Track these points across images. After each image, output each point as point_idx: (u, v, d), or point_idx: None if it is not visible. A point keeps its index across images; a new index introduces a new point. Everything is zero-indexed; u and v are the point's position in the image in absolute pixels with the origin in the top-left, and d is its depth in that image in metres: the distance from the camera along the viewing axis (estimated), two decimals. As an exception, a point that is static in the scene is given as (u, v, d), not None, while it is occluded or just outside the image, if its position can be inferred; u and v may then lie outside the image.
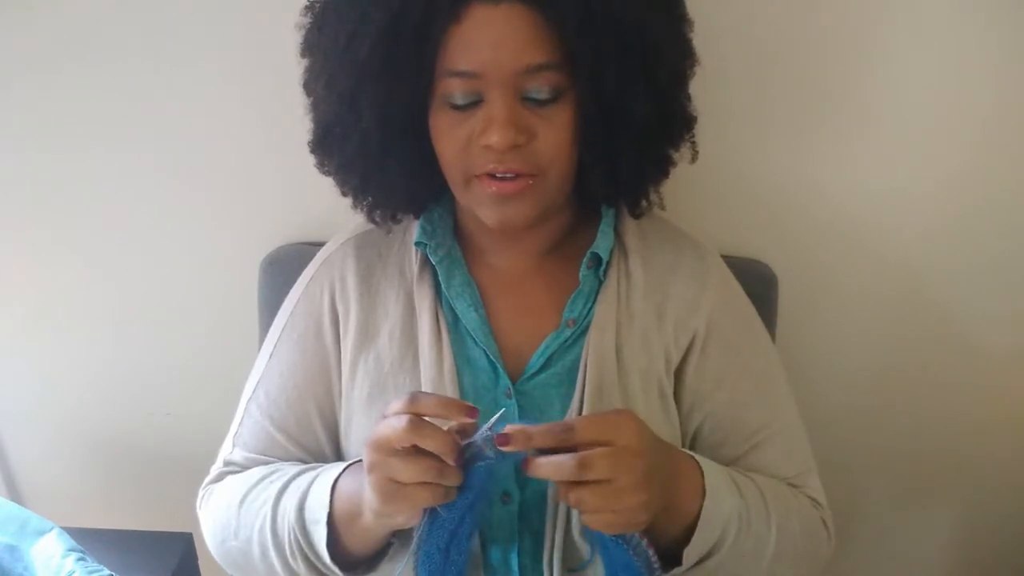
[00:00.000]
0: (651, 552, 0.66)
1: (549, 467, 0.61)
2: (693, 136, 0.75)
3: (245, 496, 0.76)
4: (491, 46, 0.64)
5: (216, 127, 1.01)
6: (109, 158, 1.03)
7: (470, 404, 0.63)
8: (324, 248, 0.86)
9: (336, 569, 0.70)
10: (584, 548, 0.72)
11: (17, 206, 1.07)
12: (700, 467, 0.70)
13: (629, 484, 0.60)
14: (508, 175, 0.68)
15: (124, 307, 1.12)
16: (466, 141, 0.68)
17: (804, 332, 1.08)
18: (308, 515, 0.71)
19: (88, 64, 0.98)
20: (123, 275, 1.10)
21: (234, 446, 0.82)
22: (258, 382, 0.82)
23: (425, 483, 0.61)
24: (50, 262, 1.10)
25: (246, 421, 0.82)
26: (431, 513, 0.65)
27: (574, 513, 0.72)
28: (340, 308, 0.80)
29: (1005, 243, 1.03)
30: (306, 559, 0.71)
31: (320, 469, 0.74)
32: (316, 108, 0.74)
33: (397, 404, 0.63)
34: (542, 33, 0.64)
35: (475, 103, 0.67)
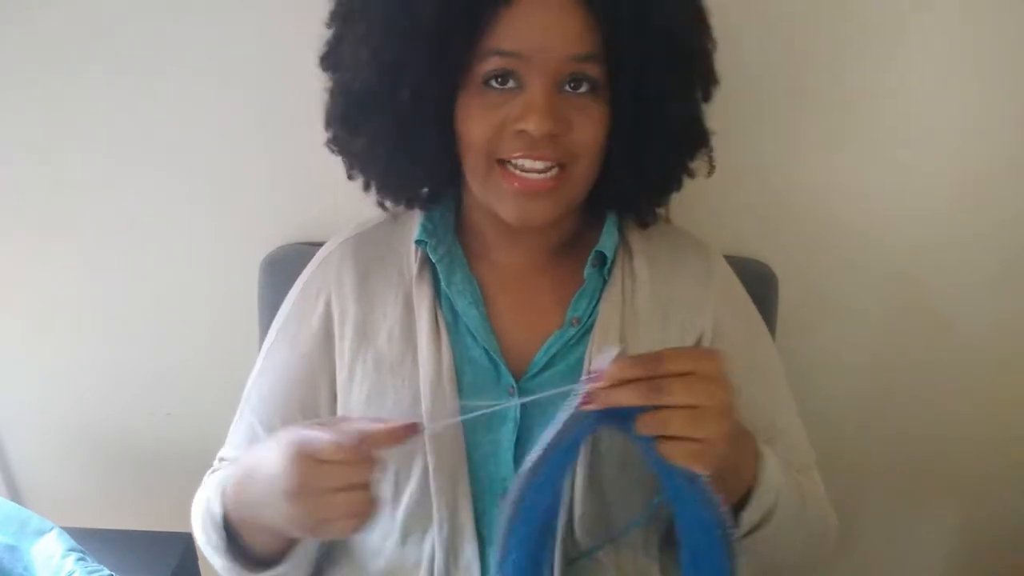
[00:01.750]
0: (723, 505, 0.62)
1: (626, 393, 0.57)
2: (712, 150, 0.76)
3: (201, 495, 0.77)
4: (542, 30, 0.64)
5: (216, 127, 1.01)
6: (109, 158, 1.03)
7: (408, 422, 0.62)
8: (322, 249, 0.85)
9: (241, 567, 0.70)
10: (585, 541, 0.72)
11: (17, 206, 1.07)
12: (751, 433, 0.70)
13: (712, 411, 0.57)
14: (536, 166, 0.68)
15: (124, 307, 1.12)
16: (499, 125, 0.68)
17: (804, 332, 1.08)
18: (213, 516, 0.70)
19: (88, 64, 0.98)
20: (123, 275, 1.10)
21: (228, 443, 0.83)
22: (252, 382, 0.83)
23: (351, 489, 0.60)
24: (50, 263, 1.10)
25: (239, 421, 0.83)
26: (517, 505, 0.63)
27: (576, 505, 0.72)
28: (336, 309, 0.80)
29: (1005, 243, 1.03)
30: (224, 555, 0.71)
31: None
32: (347, 79, 0.72)
33: (336, 445, 0.60)
34: (590, 24, 0.65)
35: (512, 87, 0.67)
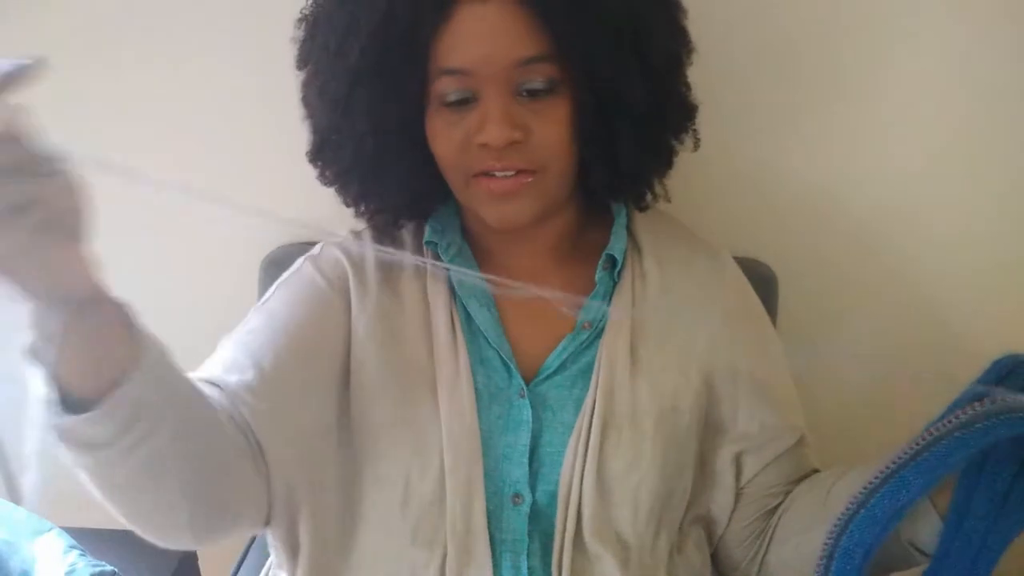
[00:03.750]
0: None
1: None
2: (695, 125, 0.75)
3: None
4: (482, 42, 0.64)
5: (216, 127, 1.01)
6: (109, 158, 1.03)
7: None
8: (333, 239, 0.83)
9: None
10: (592, 542, 0.71)
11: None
12: None
13: None
14: (508, 172, 0.68)
15: (124, 307, 1.12)
16: (463, 141, 0.68)
17: (804, 332, 1.08)
18: None
19: (88, 64, 0.98)
20: (123, 275, 1.09)
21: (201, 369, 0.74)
22: (246, 321, 0.77)
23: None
24: (50, 262, 1.10)
25: (218, 352, 0.75)
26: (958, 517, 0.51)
27: (585, 514, 0.72)
28: (356, 282, 0.76)
29: (1005, 243, 1.03)
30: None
31: None
32: (312, 118, 0.74)
33: None
34: (532, 25, 0.64)
35: (469, 101, 0.67)
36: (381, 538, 0.75)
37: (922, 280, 1.07)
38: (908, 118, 0.98)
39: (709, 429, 0.78)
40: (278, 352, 0.71)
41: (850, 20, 0.94)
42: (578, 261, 0.80)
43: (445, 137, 0.69)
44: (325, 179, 0.77)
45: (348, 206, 0.78)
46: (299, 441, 0.72)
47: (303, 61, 0.73)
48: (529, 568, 0.73)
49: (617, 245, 0.78)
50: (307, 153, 0.76)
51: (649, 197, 0.78)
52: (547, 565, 0.72)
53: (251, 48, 0.97)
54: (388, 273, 0.79)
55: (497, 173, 0.68)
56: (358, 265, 0.79)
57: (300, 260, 0.81)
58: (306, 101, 0.74)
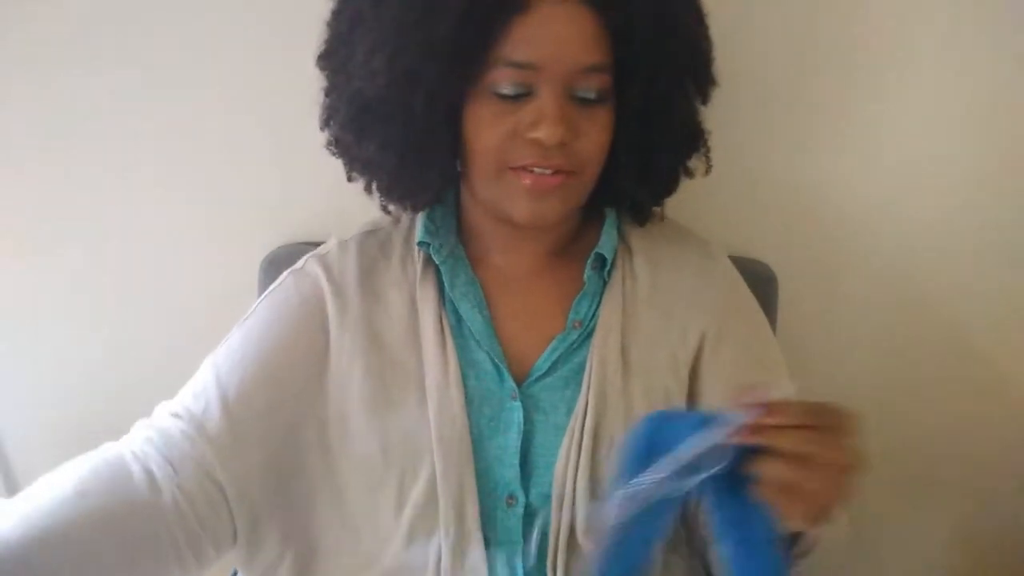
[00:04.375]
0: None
1: (791, 438, 0.52)
2: (709, 149, 0.78)
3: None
4: (554, 41, 0.65)
5: (216, 127, 1.01)
6: (109, 158, 1.03)
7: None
8: (324, 245, 0.84)
9: None
10: (586, 543, 0.72)
11: (17, 207, 1.07)
12: None
13: (849, 483, 0.54)
14: (547, 170, 0.69)
15: (124, 307, 1.12)
16: (511, 132, 0.68)
17: (804, 332, 1.08)
18: None
19: (88, 64, 0.98)
20: (123, 275, 1.10)
21: (175, 400, 0.76)
22: (220, 350, 0.78)
23: None
24: (50, 262, 1.10)
25: (196, 377, 0.77)
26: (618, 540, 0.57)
27: (579, 515, 0.72)
28: (335, 301, 0.77)
29: (1004, 242, 1.03)
30: None
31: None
32: (356, 85, 0.70)
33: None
34: (602, 34, 0.66)
35: (523, 95, 0.67)
36: (375, 541, 0.75)
37: (922, 280, 1.07)
38: (908, 119, 0.98)
39: None
40: (244, 379, 0.74)
41: (851, 22, 0.94)
42: (569, 261, 0.80)
43: (492, 126, 0.68)
44: (350, 152, 0.74)
45: (353, 179, 0.76)
46: (269, 462, 0.74)
47: (352, 22, 0.70)
48: (524, 569, 0.73)
49: (607, 244, 0.78)
50: (330, 120, 0.73)
51: (651, 213, 0.80)
52: (542, 565, 0.72)
53: (252, 47, 0.97)
54: (372, 282, 0.79)
55: (536, 169, 0.69)
56: (338, 282, 0.78)
57: (284, 274, 0.82)
58: (345, 66, 0.70)
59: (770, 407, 0.52)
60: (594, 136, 0.69)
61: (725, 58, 0.93)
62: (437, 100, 0.68)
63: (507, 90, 0.67)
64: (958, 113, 0.97)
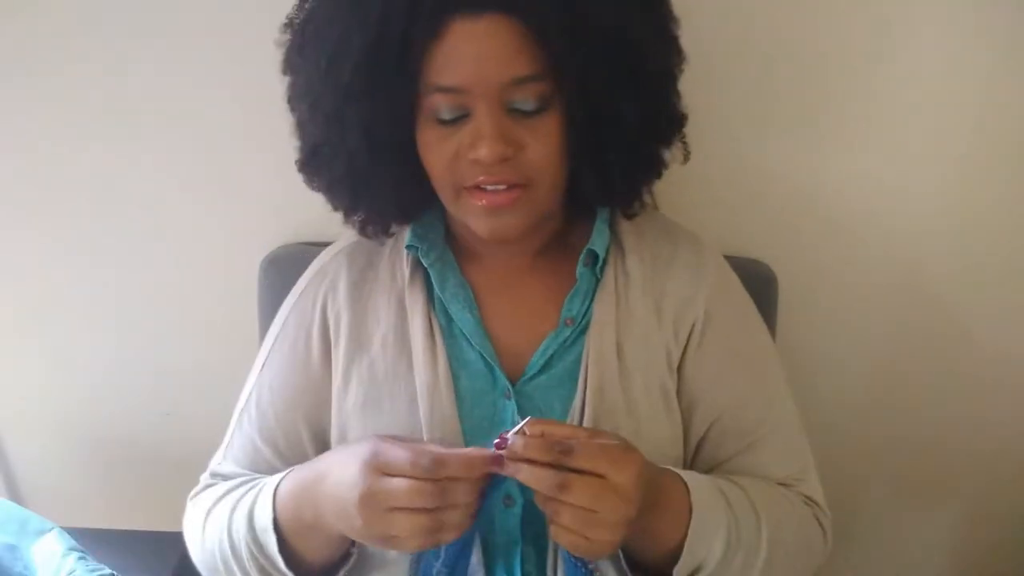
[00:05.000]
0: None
1: (529, 475, 0.60)
2: (684, 136, 0.75)
3: (209, 511, 0.76)
4: (475, 60, 0.63)
5: (216, 127, 1.01)
6: (109, 158, 1.03)
7: (493, 452, 0.62)
8: (318, 258, 0.85)
9: None
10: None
11: (17, 207, 1.07)
12: (688, 488, 0.69)
13: (608, 521, 0.60)
14: (499, 187, 0.68)
15: (124, 307, 1.12)
16: (454, 155, 0.68)
17: (804, 332, 1.08)
18: (257, 524, 0.71)
19: (88, 64, 0.98)
20: (123, 275, 1.10)
21: (224, 458, 0.82)
22: (249, 394, 0.82)
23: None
24: (50, 263, 1.10)
25: (236, 434, 0.82)
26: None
27: None
28: (331, 317, 0.79)
29: (1004, 241, 1.03)
30: (261, 569, 0.71)
31: (266, 480, 0.74)
32: (302, 127, 0.74)
33: (412, 464, 0.61)
34: (525, 44, 0.63)
35: (462, 117, 0.66)
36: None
37: (922, 280, 1.07)
38: (908, 119, 0.98)
39: (692, 422, 0.79)
40: (285, 428, 0.80)
41: (850, 22, 0.93)
42: (559, 259, 0.80)
43: (437, 151, 0.69)
44: (314, 186, 0.77)
45: (337, 211, 0.78)
46: None
47: (290, 69, 0.73)
48: (523, 569, 0.73)
49: (599, 241, 0.78)
50: (296, 162, 0.76)
51: (637, 205, 0.78)
52: (541, 566, 0.72)
53: (253, 47, 0.96)
54: (362, 289, 0.80)
55: (488, 187, 0.68)
56: (334, 289, 0.80)
57: (285, 308, 0.83)
58: (294, 110, 0.74)
59: (512, 445, 0.60)
60: (540, 146, 0.67)
61: (725, 58, 0.93)
62: (373, 137, 0.68)
63: (445, 115, 0.67)
64: (958, 113, 0.97)
